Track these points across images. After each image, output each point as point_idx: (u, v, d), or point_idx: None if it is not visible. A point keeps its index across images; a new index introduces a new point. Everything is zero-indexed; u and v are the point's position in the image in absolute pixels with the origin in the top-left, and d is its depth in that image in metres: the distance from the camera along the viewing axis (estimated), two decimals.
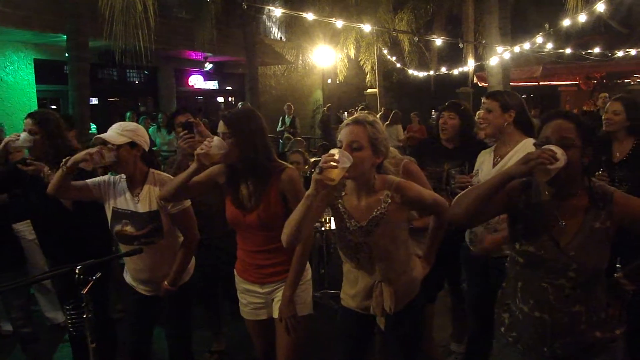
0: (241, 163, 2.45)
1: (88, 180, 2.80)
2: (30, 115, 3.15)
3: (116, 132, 2.68)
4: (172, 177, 2.76)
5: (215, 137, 2.40)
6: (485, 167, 2.94)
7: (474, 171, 3.04)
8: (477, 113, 6.37)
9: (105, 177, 2.84)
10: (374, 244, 2.18)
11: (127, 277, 2.90)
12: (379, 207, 2.16)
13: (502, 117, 2.88)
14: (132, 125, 2.77)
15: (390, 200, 2.15)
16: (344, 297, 2.42)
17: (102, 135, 2.68)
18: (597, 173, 3.07)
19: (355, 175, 2.09)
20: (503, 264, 2.24)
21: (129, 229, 2.70)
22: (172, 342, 2.93)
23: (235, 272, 2.70)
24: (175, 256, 2.79)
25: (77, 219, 3.02)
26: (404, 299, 2.29)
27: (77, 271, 1.97)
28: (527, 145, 2.82)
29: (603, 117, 3.46)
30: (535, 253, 1.89)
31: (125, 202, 2.74)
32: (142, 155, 2.76)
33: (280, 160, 2.55)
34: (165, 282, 2.76)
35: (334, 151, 1.94)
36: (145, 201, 2.71)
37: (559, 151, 1.74)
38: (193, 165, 2.41)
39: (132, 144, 2.69)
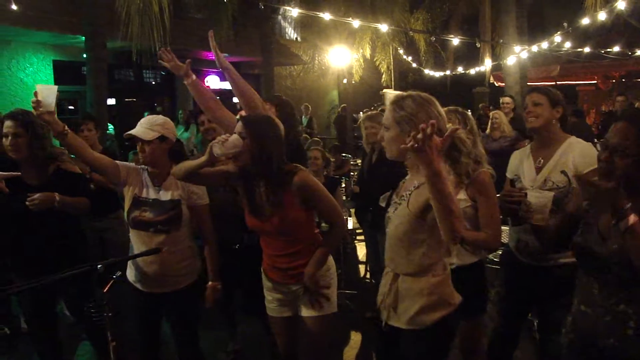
0: (254, 167, 2.43)
1: (119, 162, 2.80)
2: (10, 117, 2.84)
3: (146, 128, 2.67)
4: None
5: (234, 134, 2.39)
6: (527, 171, 2.75)
7: (508, 174, 2.87)
8: (492, 114, 6.33)
9: (134, 165, 2.85)
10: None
11: (131, 275, 2.83)
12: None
13: (551, 111, 2.73)
14: (160, 119, 2.77)
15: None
16: None
17: (131, 132, 2.68)
18: None
19: None
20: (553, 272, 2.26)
21: (147, 214, 2.70)
22: (180, 343, 2.91)
23: (262, 270, 2.71)
24: (183, 259, 2.80)
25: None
26: (422, 316, 2.01)
27: (98, 270, 2.00)
28: (573, 146, 2.66)
29: None
30: (581, 244, 1.92)
31: (147, 192, 2.76)
32: (170, 148, 2.77)
33: (291, 164, 2.49)
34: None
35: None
36: (168, 192, 2.74)
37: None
38: (204, 157, 2.38)
39: (162, 138, 2.71)
